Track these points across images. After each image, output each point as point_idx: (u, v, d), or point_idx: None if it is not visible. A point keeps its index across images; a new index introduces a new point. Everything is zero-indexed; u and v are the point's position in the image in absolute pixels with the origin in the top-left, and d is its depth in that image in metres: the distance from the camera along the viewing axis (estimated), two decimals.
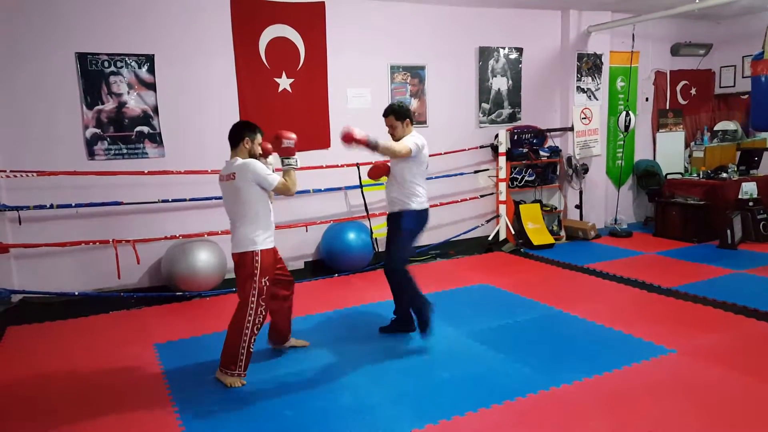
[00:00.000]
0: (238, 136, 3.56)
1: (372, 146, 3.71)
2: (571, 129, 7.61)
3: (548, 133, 7.66)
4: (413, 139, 3.98)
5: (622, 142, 8.08)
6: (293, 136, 3.56)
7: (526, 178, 7.38)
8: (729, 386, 3.28)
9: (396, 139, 4.03)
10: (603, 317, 4.43)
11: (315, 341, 4.16)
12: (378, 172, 4.18)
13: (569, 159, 7.59)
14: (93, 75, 5.26)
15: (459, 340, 4.11)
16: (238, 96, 5.85)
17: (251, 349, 3.51)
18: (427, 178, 6.59)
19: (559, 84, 7.74)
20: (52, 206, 5.08)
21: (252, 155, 3.58)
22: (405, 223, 4.02)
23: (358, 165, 6.15)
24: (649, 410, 3.03)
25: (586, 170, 7.61)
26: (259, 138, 3.61)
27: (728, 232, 6.56)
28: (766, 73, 6.06)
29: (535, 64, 7.55)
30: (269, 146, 3.72)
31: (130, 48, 5.38)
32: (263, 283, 3.48)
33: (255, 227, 3.49)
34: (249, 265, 3.46)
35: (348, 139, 3.61)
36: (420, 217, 4.06)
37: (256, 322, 3.49)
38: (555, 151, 7.56)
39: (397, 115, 4.03)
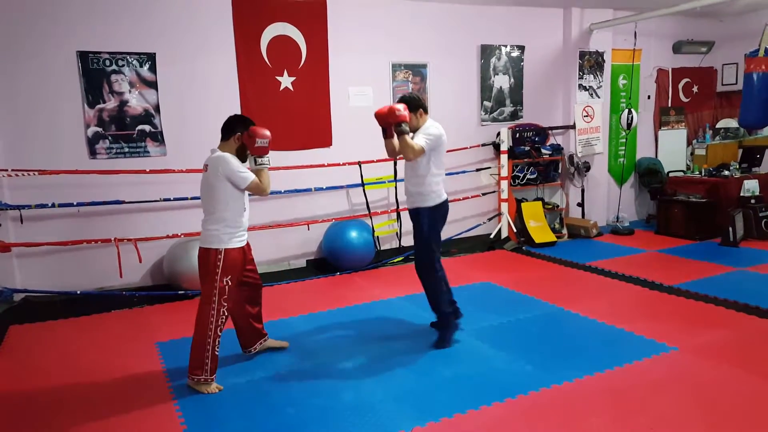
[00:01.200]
0: (229, 129, 3.48)
1: (400, 131, 3.73)
2: (573, 127, 7.60)
3: (550, 131, 7.65)
4: (427, 131, 3.90)
5: (624, 140, 8.07)
6: (267, 134, 3.47)
7: (528, 176, 7.37)
8: (730, 384, 3.28)
9: (412, 129, 3.91)
10: (605, 315, 4.42)
11: (316, 339, 4.16)
12: (386, 118, 3.87)
13: (571, 157, 7.58)
14: (94, 73, 5.27)
15: (461, 337, 4.11)
16: (239, 94, 5.85)
17: (216, 352, 3.39)
18: None
19: (561, 82, 7.73)
20: (53, 205, 5.09)
21: (240, 151, 3.49)
22: (422, 221, 3.98)
23: (359, 163, 6.15)
24: (650, 408, 3.03)
25: (588, 168, 7.60)
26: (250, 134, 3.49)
27: (730, 229, 6.56)
28: (758, 71, 6.06)
29: (537, 61, 7.54)
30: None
31: (132, 46, 5.38)
32: (225, 283, 3.38)
33: (223, 225, 3.38)
34: (212, 263, 3.36)
35: (392, 112, 3.69)
36: (437, 212, 4.00)
37: (219, 323, 3.38)
38: (557, 149, 7.55)
39: (410, 105, 3.92)
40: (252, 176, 3.43)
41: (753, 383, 3.27)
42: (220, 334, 3.42)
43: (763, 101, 6.17)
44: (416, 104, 3.97)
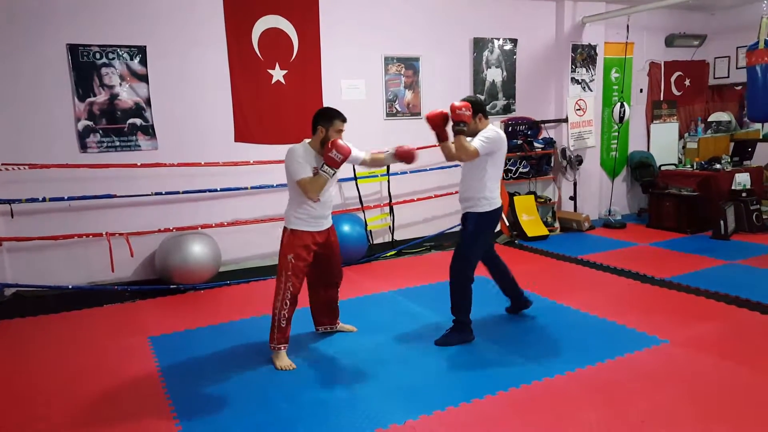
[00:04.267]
0: (313, 123, 3.60)
1: (458, 131, 3.68)
2: (566, 120, 7.61)
3: (543, 125, 7.66)
4: (485, 133, 3.77)
5: (616, 134, 8.09)
6: (347, 150, 3.50)
7: (521, 169, 7.38)
8: (721, 375, 3.30)
9: (470, 133, 3.82)
10: (597, 308, 4.44)
11: (309, 333, 4.16)
12: (437, 121, 3.82)
13: (563, 150, 7.59)
14: (84, 67, 5.22)
15: None
16: (231, 87, 5.82)
17: (282, 324, 3.61)
18: (422, 170, 6.64)
19: (554, 75, 7.73)
20: (44, 199, 5.05)
21: (324, 142, 3.54)
22: (470, 226, 3.90)
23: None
24: (642, 400, 3.05)
25: (580, 162, 7.62)
26: (336, 125, 3.54)
27: (721, 222, 6.60)
28: (761, 63, 6.06)
29: (530, 55, 7.54)
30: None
31: (122, 39, 5.33)
32: (288, 260, 3.61)
33: (294, 208, 3.65)
34: (282, 241, 3.68)
35: (454, 110, 3.66)
36: (485, 220, 3.90)
37: (285, 297, 3.61)
38: (549, 143, 7.56)
39: (472, 107, 3.77)
40: (305, 174, 3.50)
41: (744, 375, 3.30)
42: (285, 307, 3.64)
43: None
44: (477, 108, 3.84)
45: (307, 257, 3.67)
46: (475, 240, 3.91)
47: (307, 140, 3.64)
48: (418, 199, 6.81)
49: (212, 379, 3.47)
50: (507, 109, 7.48)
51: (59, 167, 5.09)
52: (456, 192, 6.97)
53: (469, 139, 3.77)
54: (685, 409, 2.96)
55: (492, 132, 3.80)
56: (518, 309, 4.43)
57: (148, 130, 5.53)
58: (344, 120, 3.61)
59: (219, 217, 5.81)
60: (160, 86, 5.52)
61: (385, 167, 6.31)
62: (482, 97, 7.22)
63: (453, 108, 3.68)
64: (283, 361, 3.61)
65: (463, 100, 3.82)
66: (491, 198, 3.87)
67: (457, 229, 7.12)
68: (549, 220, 7.46)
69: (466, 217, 3.93)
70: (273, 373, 3.54)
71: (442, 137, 3.84)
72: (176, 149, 5.59)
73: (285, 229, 3.68)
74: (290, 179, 3.60)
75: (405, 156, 3.87)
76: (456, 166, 6.93)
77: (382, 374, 3.47)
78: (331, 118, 3.54)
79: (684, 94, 8.82)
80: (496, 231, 7.05)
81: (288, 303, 3.62)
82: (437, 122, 3.80)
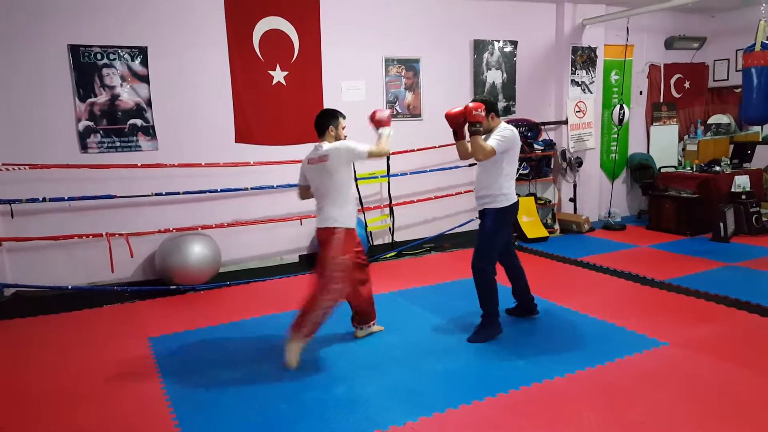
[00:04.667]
0: (323, 125, 3.76)
1: (474, 131, 3.77)
2: (566, 122, 7.61)
3: (542, 127, 7.66)
4: (500, 132, 3.88)
5: (616, 136, 8.10)
6: (387, 110, 3.94)
7: (521, 171, 7.38)
8: (721, 378, 3.30)
9: (483, 133, 3.89)
10: (596, 310, 4.45)
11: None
12: (457, 119, 3.95)
13: (563, 152, 7.60)
14: (85, 67, 5.23)
15: (453, 333, 4.12)
16: (231, 88, 5.82)
17: (321, 321, 3.64)
18: (422, 172, 6.65)
19: (554, 77, 7.74)
20: (44, 200, 5.05)
21: (338, 139, 3.75)
22: (489, 222, 3.98)
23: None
24: (642, 402, 3.05)
25: (580, 163, 7.62)
26: (342, 122, 3.80)
27: (721, 225, 6.60)
28: (757, 65, 6.08)
29: (530, 57, 7.55)
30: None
31: (123, 40, 5.34)
32: (344, 260, 3.64)
33: (341, 208, 3.67)
34: (333, 242, 3.64)
35: (470, 111, 3.76)
36: (505, 214, 3.98)
37: (336, 297, 3.63)
38: (549, 145, 7.57)
39: (487, 108, 3.90)
40: (367, 146, 3.70)
41: (743, 377, 3.30)
42: (332, 308, 3.68)
43: (765, 95, 6.16)
44: (490, 107, 3.94)
45: (354, 257, 3.77)
46: (494, 235, 3.99)
47: (326, 143, 3.74)
48: (418, 201, 6.81)
49: (212, 380, 3.47)
50: (507, 110, 7.48)
51: (60, 167, 5.09)
52: (456, 193, 7.04)
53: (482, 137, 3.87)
54: (685, 410, 2.96)
55: (507, 131, 3.90)
56: (522, 313, 4.41)
57: (149, 131, 5.53)
58: (344, 117, 3.87)
59: (219, 217, 5.82)
60: (160, 87, 5.53)
61: (385, 168, 6.30)
62: (493, 100, 7.22)
63: (468, 109, 3.78)
64: (295, 354, 3.61)
65: (475, 100, 3.92)
66: (508, 194, 3.96)
67: (458, 230, 7.16)
68: (549, 221, 7.46)
69: (485, 213, 4.01)
70: (273, 373, 3.54)
71: (459, 135, 4.06)
72: (177, 150, 5.59)
73: (334, 229, 3.65)
74: (345, 176, 3.68)
75: (378, 123, 3.91)
76: (455, 167, 6.98)
77: (382, 376, 3.47)
78: (336, 117, 3.79)
79: (684, 97, 8.83)
80: None
81: (336, 303, 3.66)
82: (457, 120, 3.92)
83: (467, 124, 3.83)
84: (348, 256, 3.66)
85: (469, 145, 3.91)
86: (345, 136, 3.82)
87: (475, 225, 7.25)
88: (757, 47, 6.06)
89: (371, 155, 3.70)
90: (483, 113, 3.79)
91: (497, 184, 3.92)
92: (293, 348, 3.61)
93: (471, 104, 3.80)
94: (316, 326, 3.65)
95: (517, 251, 6.51)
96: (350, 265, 3.69)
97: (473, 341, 3.93)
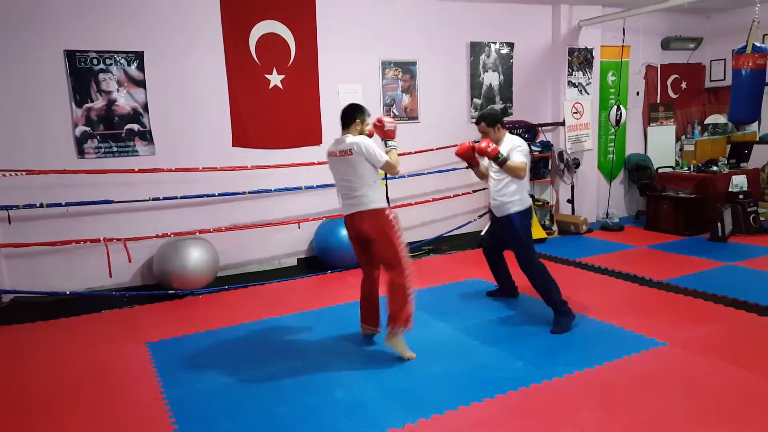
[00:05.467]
0: (351, 117, 3.81)
1: (502, 162, 4.06)
2: (563, 124, 7.62)
3: (540, 128, 7.67)
4: (518, 146, 4.16)
5: (613, 137, 8.10)
6: (393, 120, 4.00)
7: None
8: (719, 378, 3.30)
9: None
10: (594, 311, 4.45)
11: (308, 337, 4.16)
12: (469, 154, 4.35)
13: (561, 153, 7.60)
14: (82, 73, 5.23)
15: (451, 334, 4.13)
16: (228, 93, 5.83)
17: (413, 305, 3.72)
18: (420, 174, 6.67)
19: (551, 79, 7.75)
20: (42, 205, 5.05)
21: (361, 134, 3.82)
22: (516, 224, 4.25)
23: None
24: (640, 403, 3.05)
25: (577, 165, 7.63)
26: (368, 120, 3.89)
27: (719, 224, 6.60)
28: (746, 67, 6.10)
29: (527, 59, 7.56)
30: (372, 130, 3.99)
31: (119, 45, 5.34)
32: (403, 238, 3.75)
33: (379, 191, 3.76)
34: (386, 221, 3.71)
35: (484, 151, 4.04)
36: (527, 214, 4.31)
37: (412, 272, 3.74)
38: (546, 146, 7.57)
39: (488, 121, 4.20)
40: (386, 157, 3.75)
41: (742, 377, 3.30)
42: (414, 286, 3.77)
43: (752, 97, 6.21)
44: (495, 120, 4.24)
45: None
46: (526, 234, 4.30)
47: (350, 136, 3.76)
48: (416, 203, 6.81)
49: (210, 385, 3.47)
50: (504, 112, 7.48)
51: (57, 173, 5.09)
52: (454, 195, 7.05)
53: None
54: (684, 411, 2.96)
55: (521, 142, 4.23)
56: (503, 295, 4.85)
57: (146, 136, 5.53)
58: (370, 114, 3.96)
59: (217, 222, 5.81)
60: (157, 92, 5.53)
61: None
62: (480, 101, 7.25)
63: (484, 149, 4.05)
64: (405, 347, 3.71)
65: (483, 114, 4.26)
66: (525, 198, 4.31)
67: (456, 232, 7.16)
68: (547, 223, 7.46)
69: (510, 219, 4.28)
70: (271, 377, 3.54)
71: (474, 164, 4.45)
72: (174, 154, 5.59)
73: (382, 210, 3.72)
74: (367, 167, 3.70)
75: (387, 134, 3.97)
76: (453, 170, 6.97)
77: (381, 378, 3.47)
78: (364, 111, 3.87)
79: (680, 97, 8.85)
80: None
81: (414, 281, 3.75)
82: (469, 155, 4.33)
83: (493, 159, 4.08)
84: (402, 232, 3.74)
85: (485, 170, 4.47)
86: (370, 134, 3.91)
87: (473, 227, 7.29)
88: (749, 49, 6.08)
89: (386, 166, 3.75)
90: (493, 145, 4.08)
91: (514, 191, 4.23)
92: (399, 342, 3.69)
93: (483, 144, 4.07)
94: (412, 312, 3.69)
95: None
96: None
97: (557, 332, 4.05)
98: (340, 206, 3.92)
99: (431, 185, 6.94)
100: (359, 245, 3.92)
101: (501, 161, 4.06)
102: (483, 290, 5.15)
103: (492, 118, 4.22)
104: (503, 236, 4.50)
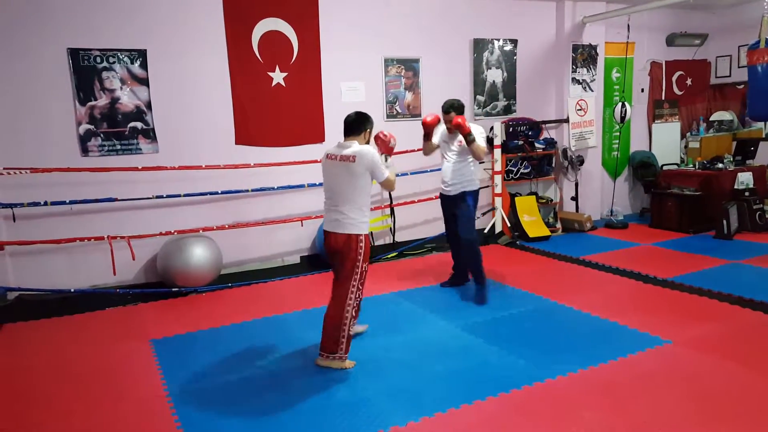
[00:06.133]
0: (361, 126, 3.69)
1: (472, 140, 4.61)
2: (567, 121, 7.59)
3: (543, 125, 7.65)
4: (482, 136, 4.78)
5: (617, 134, 8.08)
6: (395, 137, 3.95)
7: (522, 170, 7.37)
8: (724, 376, 3.29)
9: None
10: (599, 309, 4.43)
11: (311, 335, 4.15)
12: (434, 125, 4.89)
13: (565, 151, 7.58)
14: (85, 71, 5.23)
15: (454, 333, 4.12)
16: (231, 90, 5.82)
17: (350, 333, 3.62)
18: (422, 172, 6.67)
19: (554, 76, 7.72)
20: (46, 203, 5.06)
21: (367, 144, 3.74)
22: (469, 201, 4.86)
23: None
24: (644, 401, 3.04)
25: (581, 162, 7.60)
26: (373, 131, 3.83)
27: (724, 222, 6.57)
28: (762, 63, 6.05)
29: (530, 55, 7.53)
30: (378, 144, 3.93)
31: (122, 43, 5.34)
32: (364, 268, 3.61)
33: (362, 213, 3.60)
34: (354, 249, 3.57)
35: (457, 124, 4.58)
36: (478, 194, 4.97)
37: (355, 305, 3.62)
38: (550, 143, 7.55)
39: (458, 111, 4.74)
40: (387, 173, 3.68)
41: (747, 375, 3.28)
42: (356, 316, 3.67)
43: None
44: (463, 109, 4.82)
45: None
46: (475, 209, 4.94)
47: (355, 143, 3.62)
48: (419, 201, 6.80)
49: (214, 382, 3.47)
50: (508, 109, 7.47)
51: (61, 171, 5.10)
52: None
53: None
54: (688, 409, 2.94)
55: (482, 130, 4.88)
56: (454, 284, 5.25)
57: (149, 134, 5.53)
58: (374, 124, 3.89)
59: (220, 219, 5.81)
60: (160, 90, 5.53)
61: None
62: (483, 99, 7.24)
63: (462, 124, 4.59)
64: (347, 363, 3.63)
65: (453, 105, 4.86)
66: (477, 181, 4.98)
67: None
68: (551, 220, 7.45)
69: (464, 195, 4.86)
70: (274, 375, 3.54)
71: (429, 138, 4.98)
72: (177, 152, 5.59)
73: (352, 236, 3.56)
74: (367, 181, 3.58)
75: (389, 149, 3.97)
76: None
77: (384, 376, 3.47)
78: (372, 122, 3.78)
79: (685, 94, 8.81)
80: (497, 232, 7.07)
81: (357, 311, 3.68)
82: (434, 126, 4.90)
83: (465, 135, 4.61)
84: (366, 264, 3.62)
85: (434, 148, 5.06)
86: (384, 153, 3.88)
87: (476, 224, 7.25)
88: (762, 44, 6.03)
89: (386, 182, 3.68)
90: (468, 123, 4.63)
91: (470, 172, 4.88)
92: (333, 363, 3.60)
93: (460, 119, 4.61)
94: (350, 338, 3.63)
95: (520, 250, 6.55)
96: (365, 272, 3.64)
97: (481, 303, 4.70)
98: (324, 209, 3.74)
99: (434, 182, 6.90)
100: (332, 258, 3.73)
101: (471, 140, 4.60)
102: (486, 288, 5.13)
103: (461, 108, 4.79)
104: (456, 213, 4.90)
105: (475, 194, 4.91)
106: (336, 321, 3.57)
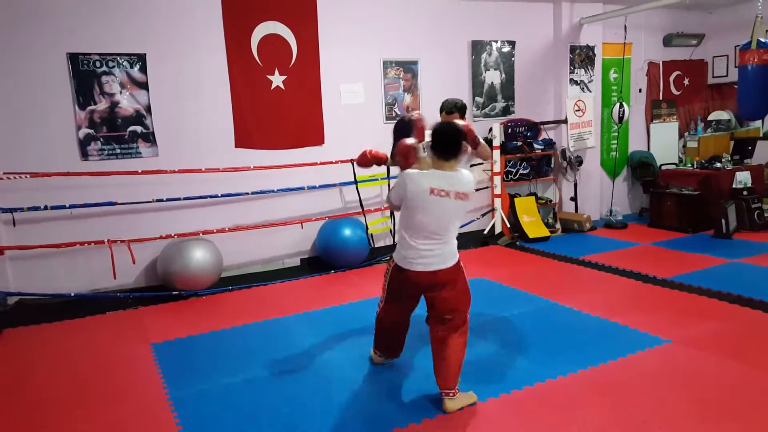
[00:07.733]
0: (459, 142, 3.02)
1: (474, 144, 3.87)
2: (565, 121, 7.61)
3: (542, 126, 7.66)
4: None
5: (616, 134, 8.09)
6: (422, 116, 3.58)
7: (521, 171, 7.38)
8: (724, 375, 3.30)
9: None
10: (599, 308, 4.44)
11: (311, 337, 4.16)
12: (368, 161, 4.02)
13: (563, 151, 7.59)
14: (85, 75, 5.24)
15: None
16: (230, 93, 5.84)
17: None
18: None
19: (552, 76, 7.74)
20: (46, 207, 5.07)
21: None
22: None
23: (352, 161, 6.14)
24: (645, 400, 3.05)
25: (580, 162, 7.62)
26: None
27: (723, 221, 6.59)
28: (752, 63, 6.09)
29: (528, 57, 7.55)
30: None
31: (122, 47, 5.35)
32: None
33: (455, 240, 3.22)
34: (463, 272, 3.19)
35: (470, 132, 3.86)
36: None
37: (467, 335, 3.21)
38: (549, 144, 7.56)
39: (462, 112, 4.26)
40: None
41: (747, 374, 3.29)
42: None
43: (760, 92, 6.19)
44: (465, 110, 4.30)
45: None
46: None
47: (452, 170, 3.09)
48: None
49: (215, 385, 3.47)
50: (506, 111, 7.49)
51: (60, 175, 5.10)
52: None
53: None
54: (688, 409, 2.95)
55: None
56: None
57: (149, 137, 5.54)
58: None
59: (220, 222, 5.82)
60: (160, 93, 5.54)
61: (385, 171, 6.30)
62: (481, 100, 7.26)
63: (470, 128, 3.90)
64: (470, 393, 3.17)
65: (457, 105, 4.27)
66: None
67: (459, 230, 7.12)
68: (550, 221, 7.46)
69: None
70: (275, 377, 3.55)
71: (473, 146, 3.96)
72: (177, 156, 5.60)
73: (459, 261, 3.18)
74: (464, 208, 3.17)
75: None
76: None
77: (385, 377, 3.48)
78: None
79: (683, 94, 8.83)
80: (497, 233, 7.07)
81: None
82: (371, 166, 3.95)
83: (471, 141, 3.89)
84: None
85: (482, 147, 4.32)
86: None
87: (476, 225, 7.29)
88: (753, 44, 6.06)
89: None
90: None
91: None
92: (463, 403, 3.05)
93: (460, 123, 4.17)
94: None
95: (519, 251, 6.56)
96: None
97: None
98: (406, 254, 3.16)
99: None
100: (428, 291, 3.20)
101: (475, 144, 3.94)
102: (487, 289, 5.15)
103: (464, 108, 4.32)
104: None
105: None
106: (462, 354, 3.11)
